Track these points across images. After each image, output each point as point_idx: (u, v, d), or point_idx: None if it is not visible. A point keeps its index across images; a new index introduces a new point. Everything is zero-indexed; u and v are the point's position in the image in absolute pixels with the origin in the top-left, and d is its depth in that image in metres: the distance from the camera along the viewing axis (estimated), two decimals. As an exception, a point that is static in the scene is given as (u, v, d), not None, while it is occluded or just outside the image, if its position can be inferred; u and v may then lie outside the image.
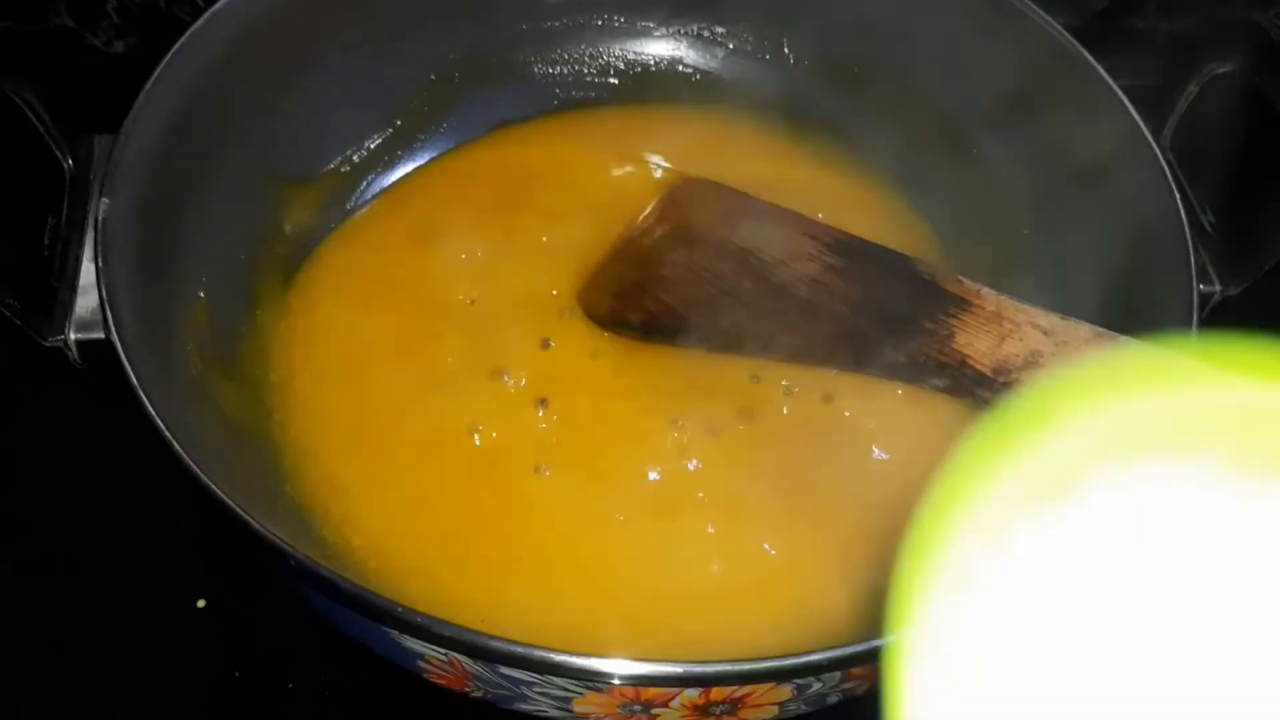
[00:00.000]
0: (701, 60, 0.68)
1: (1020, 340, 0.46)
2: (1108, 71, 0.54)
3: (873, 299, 0.50)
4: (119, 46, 0.73)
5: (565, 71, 0.66)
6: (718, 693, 0.40)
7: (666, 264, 0.55)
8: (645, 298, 0.54)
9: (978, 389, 0.46)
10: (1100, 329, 0.46)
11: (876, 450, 0.51)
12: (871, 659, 0.39)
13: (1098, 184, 0.53)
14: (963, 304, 0.48)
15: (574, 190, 0.61)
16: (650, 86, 0.68)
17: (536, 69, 0.66)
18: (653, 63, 0.68)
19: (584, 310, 0.56)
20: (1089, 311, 0.49)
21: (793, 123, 0.65)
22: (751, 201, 0.57)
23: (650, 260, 0.56)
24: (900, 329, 0.49)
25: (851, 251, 0.53)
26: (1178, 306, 0.47)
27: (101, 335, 0.44)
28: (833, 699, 0.43)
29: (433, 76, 0.64)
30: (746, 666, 0.37)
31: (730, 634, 0.48)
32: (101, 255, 0.45)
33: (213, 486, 0.40)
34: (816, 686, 0.42)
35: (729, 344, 0.54)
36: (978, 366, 0.46)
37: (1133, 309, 0.50)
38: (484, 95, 0.65)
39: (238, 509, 0.39)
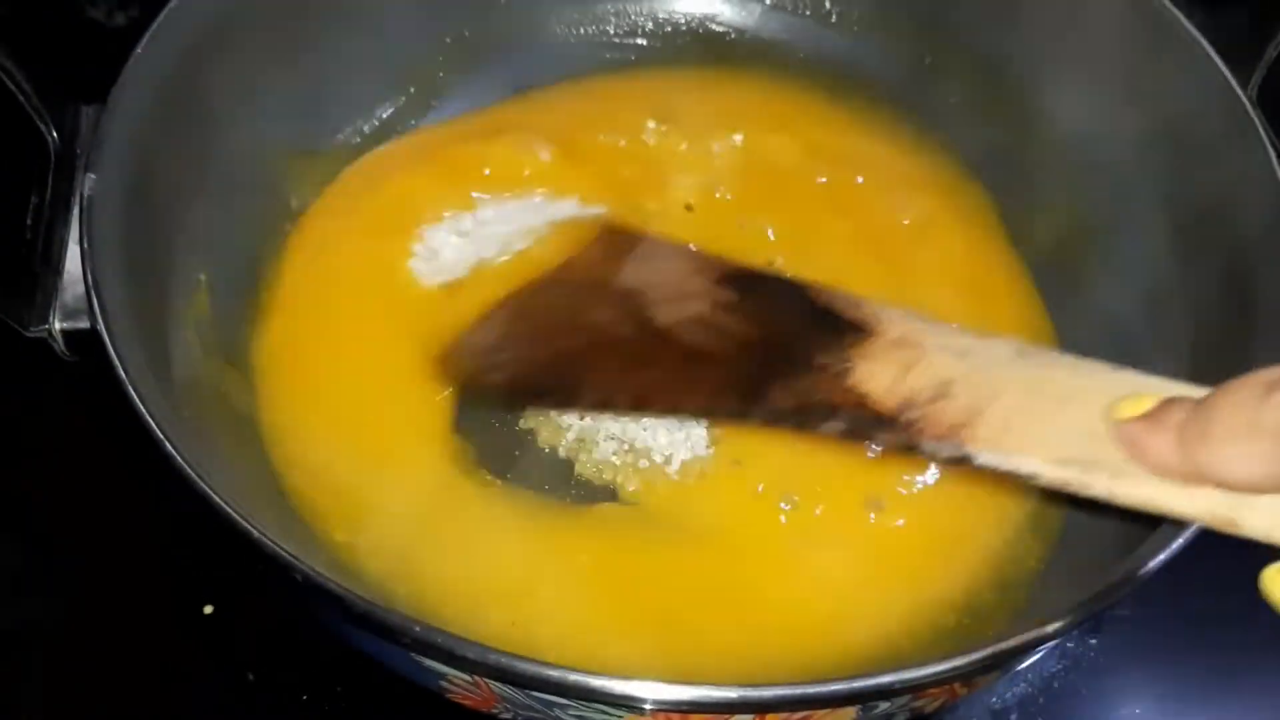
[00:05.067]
0: (737, 18, 0.65)
1: (928, 369, 0.40)
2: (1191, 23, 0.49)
3: (764, 336, 0.45)
4: (120, 19, 0.69)
5: (589, 32, 0.64)
6: (774, 716, 0.36)
7: (539, 317, 0.51)
8: (506, 357, 0.49)
9: (876, 432, 0.40)
10: (1024, 345, 0.40)
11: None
12: (946, 680, 0.35)
13: (1181, 143, 0.48)
14: (861, 332, 0.43)
15: (597, 163, 0.58)
16: (681, 47, 0.65)
17: (558, 29, 0.63)
18: (683, 21, 0.65)
19: (444, 378, 0.51)
20: (1166, 276, 0.48)
21: (837, 86, 0.62)
22: (641, 240, 0.52)
23: (523, 315, 0.51)
24: (788, 369, 0.43)
25: (742, 284, 0.48)
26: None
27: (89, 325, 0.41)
28: (900, 718, 0.39)
29: (448, 39, 0.61)
30: (807, 691, 0.33)
31: (778, 641, 0.45)
32: (87, 237, 0.42)
33: (210, 492, 0.36)
34: (883, 706, 0.37)
35: (597, 402, 0.49)
36: (876, 406, 0.40)
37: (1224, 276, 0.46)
38: (502, 59, 0.61)
39: (236, 515, 0.36)
